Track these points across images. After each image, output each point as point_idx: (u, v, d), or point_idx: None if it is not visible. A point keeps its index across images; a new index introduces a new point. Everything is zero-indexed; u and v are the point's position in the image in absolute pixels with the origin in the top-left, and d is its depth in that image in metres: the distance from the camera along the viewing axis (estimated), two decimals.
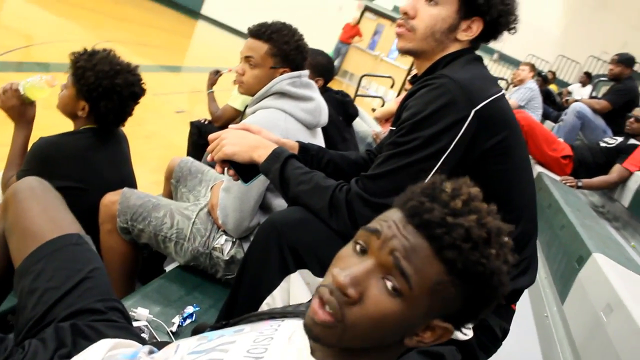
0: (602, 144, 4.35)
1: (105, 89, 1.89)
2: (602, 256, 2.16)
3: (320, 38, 14.80)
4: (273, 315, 1.01)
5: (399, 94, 10.68)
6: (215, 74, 4.13)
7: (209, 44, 14.02)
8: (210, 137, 1.44)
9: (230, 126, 1.47)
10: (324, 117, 2.01)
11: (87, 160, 1.95)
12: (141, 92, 2.00)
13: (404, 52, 1.44)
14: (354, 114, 3.07)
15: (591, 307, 1.89)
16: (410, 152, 1.25)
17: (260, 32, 1.94)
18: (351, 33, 15.03)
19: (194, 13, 16.87)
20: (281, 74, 1.94)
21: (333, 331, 0.76)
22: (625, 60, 5.11)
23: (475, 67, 1.36)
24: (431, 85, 1.28)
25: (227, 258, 1.90)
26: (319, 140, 2.05)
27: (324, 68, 2.91)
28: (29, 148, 2.00)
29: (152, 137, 4.77)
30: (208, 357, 0.89)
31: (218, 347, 0.92)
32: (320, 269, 1.28)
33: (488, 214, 0.76)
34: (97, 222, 1.94)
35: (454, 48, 1.39)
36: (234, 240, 1.91)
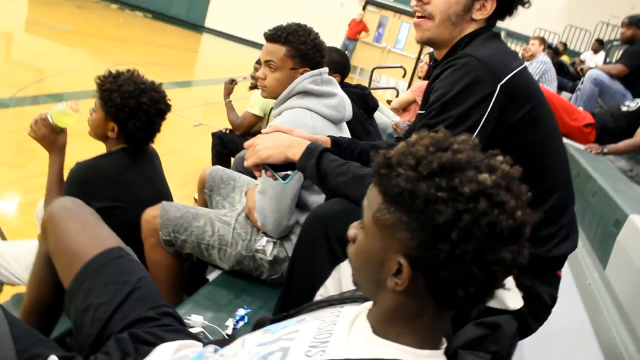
0: (623, 108, 4.32)
1: (132, 108, 1.95)
2: (638, 217, 2.17)
3: (324, 36, 14.81)
4: (332, 302, 1.05)
5: (410, 83, 10.72)
6: (231, 83, 4.19)
7: (216, 56, 14.14)
8: (246, 144, 1.48)
9: (262, 131, 1.50)
10: (348, 111, 2.05)
11: (123, 180, 2.00)
12: (167, 108, 2.05)
13: (423, 42, 1.46)
14: (375, 106, 3.10)
15: (635, 268, 1.90)
16: None
17: (276, 35, 1.98)
18: (357, 29, 15.02)
19: (197, 27, 17.01)
20: (302, 73, 1.98)
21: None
22: (636, 22, 5.06)
23: (494, 44, 1.39)
24: (455, 65, 1.31)
25: (270, 258, 1.94)
26: (345, 135, 2.09)
27: (339, 64, 2.95)
28: (64, 175, 2.07)
29: (174, 153, 4.85)
30: (276, 347, 0.93)
31: (284, 337, 0.96)
32: None
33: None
34: (139, 238, 2.00)
35: (471, 28, 1.42)
36: (275, 240, 1.96)
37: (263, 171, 1.45)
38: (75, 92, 6.07)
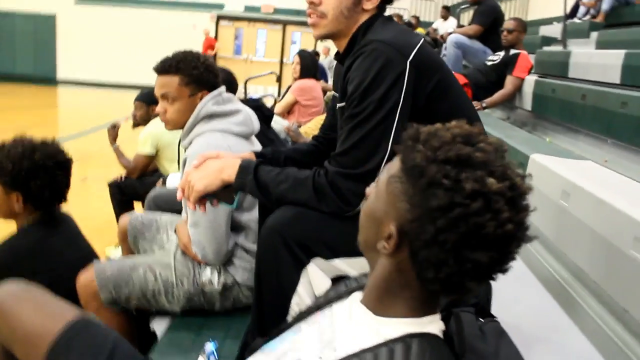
0: (489, 63, 4.66)
1: (28, 169, 1.86)
2: (538, 155, 2.36)
3: None
4: (319, 306, 1.06)
5: (279, 88, 10.82)
6: (114, 128, 4.04)
7: (79, 106, 13.48)
8: (180, 185, 1.45)
9: (192, 165, 1.48)
10: (255, 123, 2.06)
11: (46, 251, 1.90)
12: (67, 160, 1.97)
13: (321, 38, 1.51)
14: (270, 115, 3.12)
15: (549, 201, 2.07)
16: (369, 118, 1.34)
17: (166, 66, 1.94)
18: (206, 45, 14.95)
19: (49, 81, 16.15)
20: (201, 98, 1.95)
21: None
22: None
23: (392, 26, 1.47)
24: (364, 53, 1.37)
25: (220, 288, 1.91)
26: (257, 147, 2.09)
27: (227, 82, 2.92)
28: None
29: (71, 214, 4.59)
30: None
31: (290, 350, 0.97)
32: (330, 252, 1.35)
33: (452, 137, 0.83)
34: (79, 304, 1.89)
35: (365, 17, 1.49)
36: (219, 268, 1.93)
37: (208, 203, 1.43)
38: None
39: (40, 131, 1.96)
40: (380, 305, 0.90)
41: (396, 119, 1.34)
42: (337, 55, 1.59)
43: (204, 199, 1.44)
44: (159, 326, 2.16)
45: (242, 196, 1.78)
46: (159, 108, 1.98)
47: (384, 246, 0.86)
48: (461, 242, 0.77)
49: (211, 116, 1.94)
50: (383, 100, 1.34)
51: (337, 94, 1.67)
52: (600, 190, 1.79)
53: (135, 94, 4.16)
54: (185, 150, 2.02)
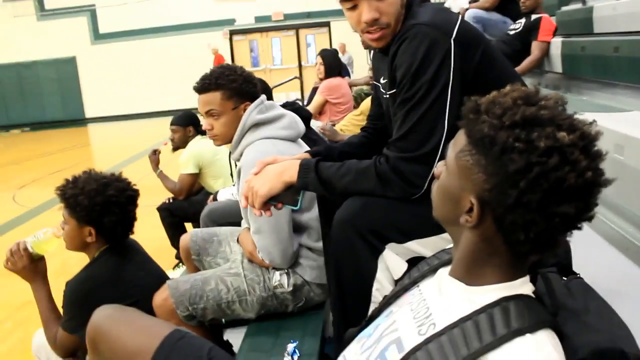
0: (511, 32, 4.62)
1: (102, 204, 1.91)
2: (582, 114, 2.34)
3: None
4: (406, 287, 1.09)
5: (302, 92, 10.89)
6: (155, 154, 4.14)
7: (112, 140, 13.81)
8: (243, 193, 1.50)
9: (251, 172, 1.53)
10: (301, 125, 2.10)
11: (121, 277, 1.96)
12: (135, 193, 2.02)
13: (386, 46, 1.51)
14: (309, 116, 3.16)
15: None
16: (422, 100, 1.36)
17: (206, 84, 1.99)
18: (217, 64, 15.09)
19: (79, 121, 16.58)
20: (244, 109, 2.01)
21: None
22: None
23: (428, 7, 1.49)
24: (407, 37, 1.39)
25: (291, 289, 1.96)
26: (305, 148, 2.13)
27: (262, 90, 2.98)
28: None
29: None
30: (386, 342, 0.96)
31: (386, 333, 0.99)
32: (403, 236, 1.38)
33: (513, 101, 0.84)
34: None
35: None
36: (287, 270, 1.97)
37: (272, 207, 1.47)
38: None
39: (77, 170, 2.03)
40: (470, 275, 0.92)
41: (449, 98, 1.36)
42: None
43: (267, 203, 1.48)
44: (232, 336, 2.23)
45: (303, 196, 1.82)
46: (205, 125, 2.03)
47: (466, 219, 0.88)
48: (546, 199, 0.79)
49: (257, 125, 1.99)
50: (433, 80, 1.36)
51: (378, 83, 1.70)
52: None
53: (160, 120, 4.29)
54: (236, 163, 2.07)
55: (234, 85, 1.99)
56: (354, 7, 1.46)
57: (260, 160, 1.54)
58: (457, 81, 1.36)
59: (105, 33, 16.45)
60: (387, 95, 1.55)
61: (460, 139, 0.90)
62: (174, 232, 4.04)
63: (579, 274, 1.09)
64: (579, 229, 0.86)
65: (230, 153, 2.12)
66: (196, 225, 3.95)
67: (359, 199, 1.41)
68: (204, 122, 2.05)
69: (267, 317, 2.02)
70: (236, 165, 2.08)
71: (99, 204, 1.90)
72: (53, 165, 9.90)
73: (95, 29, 16.52)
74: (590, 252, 2.19)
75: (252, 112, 1.99)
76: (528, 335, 0.80)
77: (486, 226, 0.87)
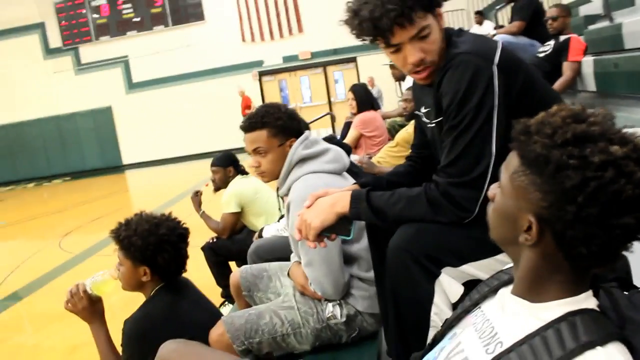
0: (541, 54, 4.64)
1: (155, 244, 1.98)
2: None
3: (235, 121, 15.20)
4: (467, 309, 1.11)
5: (333, 127, 10.99)
6: (197, 195, 4.24)
7: (148, 185, 14.10)
8: (298, 226, 1.56)
9: (304, 205, 1.58)
10: (346, 159, 2.15)
11: (177, 315, 2.01)
12: (186, 231, 2.09)
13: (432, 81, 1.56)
14: (349, 150, 3.22)
15: None
16: (469, 126, 1.40)
17: (252, 123, 2.07)
18: (244, 105, 15.41)
19: (117, 168, 17.04)
20: (290, 146, 2.07)
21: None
22: None
23: (466, 36, 1.54)
24: (451, 67, 1.44)
25: (344, 319, 1.98)
26: (350, 181, 2.18)
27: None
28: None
29: None
30: None
31: (451, 355, 1.01)
32: (457, 259, 1.41)
33: (562, 119, 0.87)
34: None
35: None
36: (339, 302, 2.00)
37: (326, 239, 1.52)
38: (40, 277, 5.96)
39: (119, 216, 2.11)
40: (533, 292, 0.93)
41: (494, 123, 1.40)
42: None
43: (321, 235, 1.53)
44: None
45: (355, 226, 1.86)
46: (252, 163, 2.10)
47: (525, 238, 0.90)
48: (605, 212, 0.81)
49: (304, 160, 2.05)
50: (479, 107, 1.40)
51: (420, 113, 1.75)
52: None
53: (195, 162, 4.40)
54: (283, 199, 2.13)
55: (279, 123, 2.06)
56: (397, 50, 1.51)
57: (312, 193, 1.59)
58: (502, 106, 1.40)
59: (138, 82, 17.00)
60: (433, 124, 1.59)
61: (513, 161, 0.93)
62: (219, 271, 4.11)
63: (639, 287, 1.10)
64: (639, 239, 0.88)
65: (277, 189, 2.17)
66: (240, 263, 4.01)
67: (412, 225, 1.44)
68: (252, 160, 2.11)
69: (322, 349, 2.04)
70: (283, 201, 2.13)
71: (152, 244, 1.97)
72: (94, 212, 10.18)
73: (129, 78, 17.09)
74: None
75: (298, 147, 2.05)
76: (599, 347, 0.81)
77: (546, 243, 0.89)
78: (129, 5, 16.86)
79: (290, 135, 2.08)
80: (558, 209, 0.84)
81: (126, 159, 17.37)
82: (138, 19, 16.86)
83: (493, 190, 1.01)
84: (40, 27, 17.21)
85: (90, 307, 2.08)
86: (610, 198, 0.80)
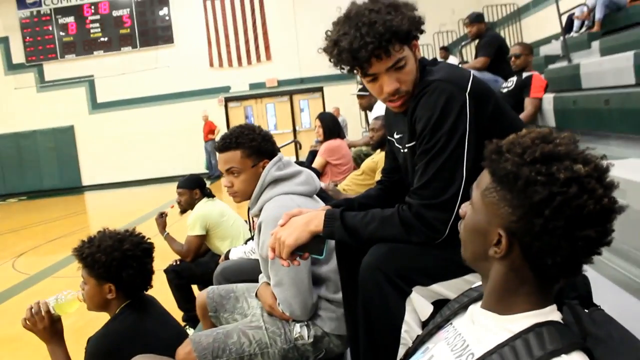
0: (504, 90, 4.81)
1: (120, 259, 1.96)
2: None
3: (198, 147, 15.14)
4: (439, 325, 1.15)
5: (297, 155, 11.05)
6: (161, 217, 4.20)
7: (108, 207, 13.83)
8: (270, 245, 1.58)
9: (279, 224, 1.60)
10: (317, 182, 2.19)
11: (142, 332, 1.99)
12: (151, 246, 2.08)
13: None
14: (318, 174, 3.27)
15: None
16: (442, 150, 1.46)
17: (227, 144, 2.09)
18: (207, 130, 15.40)
19: (76, 189, 16.67)
20: (263, 167, 2.10)
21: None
22: (475, 18, 5.71)
23: (440, 65, 1.61)
24: (426, 93, 1.50)
25: (311, 340, 1.99)
26: (320, 204, 2.21)
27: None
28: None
29: None
30: None
31: None
32: (428, 278, 1.45)
33: (532, 140, 0.94)
34: None
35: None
36: (307, 322, 2.01)
37: (298, 258, 1.54)
38: None
39: (77, 237, 2.09)
40: (502, 305, 0.98)
41: (466, 146, 1.46)
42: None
43: (294, 254, 1.55)
44: None
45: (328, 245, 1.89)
46: (225, 182, 2.12)
47: (495, 251, 0.96)
48: (569, 224, 0.87)
49: (276, 181, 2.07)
50: (452, 132, 1.46)
51: (392, 138, 1.80)
52: None
53: (158, 186, 4.36)
54: (253, 219, 2.14)
55: (253, 144, 2.09)
56: (374, 80, 1.57)
57: (286, 212, 1.62)
58: (473, 131, 1.47)
59: (103, 102, 16.77)
60: (405, 150, 1.64)
61: (484, 179, 0.99)
62: (181, 294, 4.05)
63: (599, 305, 1.16)
64: (599, 254, 0.93)
65: (248, 209, 2.19)
66: (202, 287, 3.97)
67: (384, 245, 1.48)
68: (224, 179, 2.13)
69: None
70: (253, 221, 2.15)
71: (116, 259, 1.95)
72: (51, 233, 9.91)
73: (94, 98, 16.85)
74: (602, 295, 2.25)
75: (271, 169, 2.08)
76: (564, 355, 0.87)
77: (514, 256, 0.95)
78: (96, 24, 16.70)
79: (264, 157, 2.11)
80: (526, 222, 0.90)
81: (86, 180, 17.01)
82: (105, 39, 16.71)
83: (464, 208, 1.07)
84: (3, 41, 16.86)
85: (50, 327, 2.04)
86: (574, 212, 0.87)
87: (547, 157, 0.90)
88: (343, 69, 1.59)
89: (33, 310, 2.04)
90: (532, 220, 0.89)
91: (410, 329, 1.41)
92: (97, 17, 16.71)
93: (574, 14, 7.41)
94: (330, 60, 1.60)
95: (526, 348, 0.89)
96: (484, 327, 1.00)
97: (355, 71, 1.58)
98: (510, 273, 0.97)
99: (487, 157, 0.98)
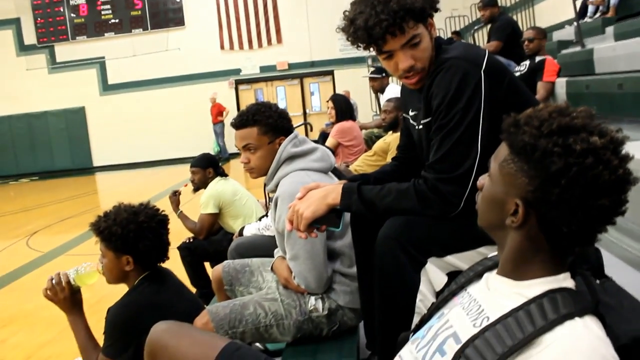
0: (517, 74, 4.80)
1: (136, 231, 2.01)
2: None
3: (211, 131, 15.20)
4: (454, 292, 1.19)
5: (306, 134, 11.10)
6: (175, 195, 4.26)
7: (118, 188, 13.91)
8: (288, 217, 1.62)
9: (296, 197, 1.64)
10: (332, 158, 2.23)
11: (160, 303, 2.04)
12: (165, 217, 2.13)
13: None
14: (332, 151, 3.30)
15: None
16: (457, 126, 1.49)
17: (244, 120, 2.13)
18: (215, 112, 15.43)
19: (87, 170, 16.79)
20: (279, 143, 2.14)
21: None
22: (489, 2, 5.68)
23: (456, 43, 1.65)
24: (442, 70, 1.54)
25: (326, 312, 2.04)
26: (335, 180, 2.25)
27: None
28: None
29: None
30: (442, 338, 1.05)
31: (440, 331, 1.08)
32: (442, 250, 1.49)
33: (549, 113, 0.97)
34: None
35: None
36: (322, 295, 2.06)
37: (315, 230, 1.58)
38: (7, 274, 5.86)
39: (88, 216, 2.13)
40: (517, 272, 1.02)
41: (481, 123, 1.50)
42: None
43: (311, 226, 1.60)
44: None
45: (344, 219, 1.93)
46: (242, 159, 2.16)
47: (512, 221, 0.99)
48: (585, 194, 0.90)
49: (292, 157, 2.11)
50: (467, 107, 1.49)
51: (407, 116, 1.83)
52: None
53: (168, 168, 4.40)
54: (269, 195, 2.19)
55: (270, 121, 2.13)
56: (390, 57, 1.61)
57: (304, 185, 1.66)
58: (488, 108, 1.50)
59: (114, 84, 16.83)
60: (421, 126, 1.68)
61: (502, 151, 1.02)
62: (194, 271, 4.11)
63: (610, 276, 1.20)
64: (614, 223, 0.97)
65: (264, 185, 2.23)
66: (215, 264, 4.02)
67: (401, 217, 1.52)
68: (242, 156, 2.17)
69: (303, 341, 2.09)
70: (269, 197, 2.19)
71: (132, 231, 2.00)
72: (63, 212, 10.04)
73: (105, 80, 16.92)
74: (613, 273, 2.29)
75: (287, 145, 2.12)
76: (577, 318, 0.90)
77: (530, 225, 0.98)
78: (107, 6, 16.71)
79: (280, 134, 2.15)
80: (543, 192, 0.93)
81: (97, 161, 17.14)
82: (116, 21, 16.72)
83: (482, 180, 1.10)
84: (15, 22, 16.92)
85: (70, 298, 2.09)
86: (589, 181, 0.90)
87: (563, 129, 0.92)
88: (359, 46, 1.62)
89: (54, 280, 2.10)
90: (549, 190, 0.92)
91: (425, 299, 1.45)
92: None
93: None
94: (347, 39, 1.64)
95: (540, 312, 0.93)
96: (499, 292, 1.04)
97: (371, 49, 1.62)
98: (526, 242, 1.00)
99: (505, 130, 1.01)
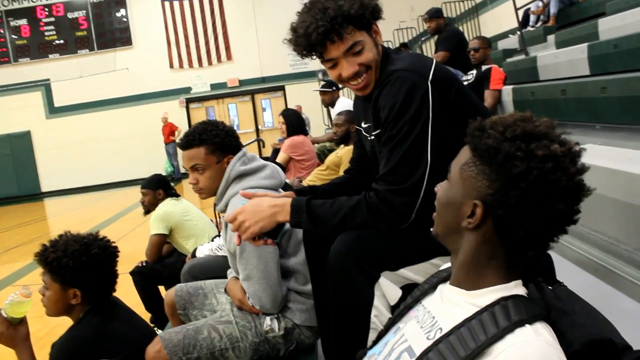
0: (465, 83, 4.89)
1: (87, 264, 1.92)
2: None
3: (159, 148, 14.97)
4: (410, 305, 1.17)
5: (260, 152, 11.05)
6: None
7: (68, 213, 13.51)
8: (233, 228, 1.58)
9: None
10: (282, 175, 2.19)
11: (108, 334, 1.95)
12: (115, 249, 2.04)
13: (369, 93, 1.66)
14: (282, 169, 3.26)
15: None
16: (406, 136, 1.48)
17: (190, 140, 2.07)
18: (167, 131, 15.27)
19: (35, 196, 16.25)
20: (228, 162, 2.09)
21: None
22: (435, 13, 5.79)
23: (403, 54, 1.64)
24: (389, 82, 1.53)
25: (282, 332, 2.00)
26: None
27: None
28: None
29: None
30: (397, 353, 1.03)
31: (395, 347, 1.07)
32: (396, 263, 1.47)
33: (514, 120, 0.99)
34: None
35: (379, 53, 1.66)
36: (277, 315, 2.01)
37: (261, 242, 1.56)
38: None
39: (36, 245, 2.02)
40: (470, 280, 1.02)
41: (430, 133, 1.49)
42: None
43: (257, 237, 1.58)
44: None
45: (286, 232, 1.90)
46: (190, 179, 2.10)
47: (468, 222, 1.00)
48: (543, 197, 0.92)
49: (241, 176, 2.07)
50: (415, 118, 1.49)
51: (360, 128, 1.82)
52: (610, 163, 1.94)
53: (120, 190, 4.30)
54: (220, 215, 2.13)
55: (217, 140, 2.07)
56: (334, 66, 1.61)
57: (251, 192, 1.63)
58: (437, 118, 1.49)
59: (60, 106, 16.37)
60: (372, 137, 1.66)
61: (463, 155, 1.04)
62: (148, 296, 4.00)
63: (562, 282, 1.20)
64: (566, 232, 0.98)
65: (214, 205, 2.18)
66: (169, 288, 3.92)
67: (352, 232, 1.49)
68: (190, 177, 2.11)
69: None
70: (219, 217, 2.14)
71: (84, 265, 1.90)
72: (9, 241, 9.65)
73: (51, 102, 16.43)
74: (563, 275, 2.32)
75: (236, 164, 2.07)
76: (527, 325, 0.91)
77: (486, 228, 0.99)
78: (51, 27, 16.28)
79: (228, 152, 2.10)
80: (503, 194, 0.95)
81: (45, 187, 16.59)
82: (61, 42, 16.30)
83: (439, 186, 1.11)
84: None
85: (10, 332, 1.97)
86: (548, 186, 0.92)
87: (527, 135, 0.95)
88: (304, 55, 1.62)
89: None
90: (508, 193, 0.94)
91: (380, 314, 1.42)
92: (52, 19, 16.27)
93: (529, 9, 7.59)
94: (293, 50, 1.63)
95: (492, 319, 0.93)
96: (452, 302, 1.03)
97: (314, 56, 1.61)
98: (481, 245, 1.01)
99: (469, 133, 1.03)
